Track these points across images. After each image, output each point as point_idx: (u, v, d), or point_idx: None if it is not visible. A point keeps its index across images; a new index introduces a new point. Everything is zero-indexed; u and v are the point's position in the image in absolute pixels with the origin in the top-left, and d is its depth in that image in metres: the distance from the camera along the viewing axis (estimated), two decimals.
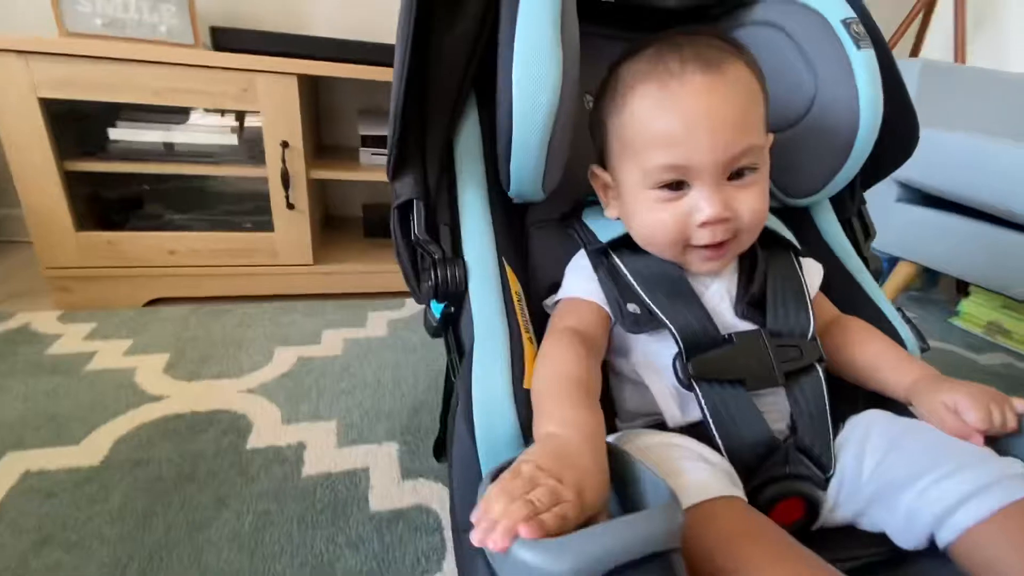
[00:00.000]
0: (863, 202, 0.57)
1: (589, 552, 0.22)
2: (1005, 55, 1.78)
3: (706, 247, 0.41)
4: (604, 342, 0.43)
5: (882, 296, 0.50)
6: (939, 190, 1.25)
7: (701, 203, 0.39)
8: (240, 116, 1.11)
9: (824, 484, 0.38)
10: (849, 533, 0.38)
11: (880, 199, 1.41)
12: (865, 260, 0.54)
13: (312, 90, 1.24)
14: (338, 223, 1.44)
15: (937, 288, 1.64)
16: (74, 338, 0.96)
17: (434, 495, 0.67)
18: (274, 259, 1.12)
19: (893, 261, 1.50)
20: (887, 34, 1.72)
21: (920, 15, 1.75)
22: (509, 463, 0.30)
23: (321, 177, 1.15)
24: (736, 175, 0.40)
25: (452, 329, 0.44)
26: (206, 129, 1.10)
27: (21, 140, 0.94)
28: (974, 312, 1.36)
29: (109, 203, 1.15)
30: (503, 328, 0.39)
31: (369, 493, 0.67)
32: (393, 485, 0.68)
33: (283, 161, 1.04)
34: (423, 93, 0.43)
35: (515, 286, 0.42)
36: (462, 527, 0.40)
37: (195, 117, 1.12)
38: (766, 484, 0.37)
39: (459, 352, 0.43)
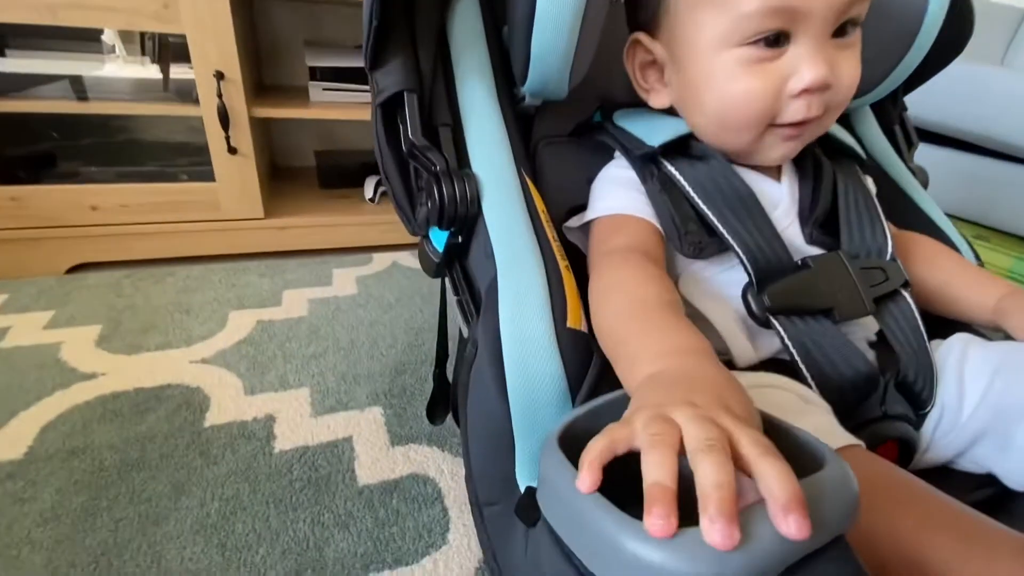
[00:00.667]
0: (905, 108, 0.50)
1: (758, 549, 0.15)
2: None
3: (790, 125, 0.33)
4: (662, 257, 0.35)
5: (937, 209, 0.45)
6: (919, 119, 1.23)
7: (803, 64, 0.31)
8: (163, 41, 0.93)
9: (919, 423, 0.33)
10: (945, 475, 0.33)
11: None
12: (912, 171, 0.48)
13: (247, 17, 1.07)
14: (289, 174, 1.29)
15: None
16: None
17: (430, 461, 0.60)
18: (218, 213, 0.98)
19: None
20: None
21: None
22: (573, 423, 0.22)
23: (266, 115, 0.99)
24: (839, 31, 0.32)
25: (459, 264, 0.35)
26: (121, 59, 0.93)
27: None
28: None
29: (17, 161, 0.97)
30: (534, 253, 0.31)
31: (355, 465, 0.59)
32: (382, 454, 0.61)
33: (219, 96, 0.89)
34: None
35: (540, 204, 0.34)
36: (484, 500, 0.33)
37: (110, 62, 0.94)
38: (860, 426, 0.31)
39: (470, 293, 0.34)
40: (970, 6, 0.45)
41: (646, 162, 0.37)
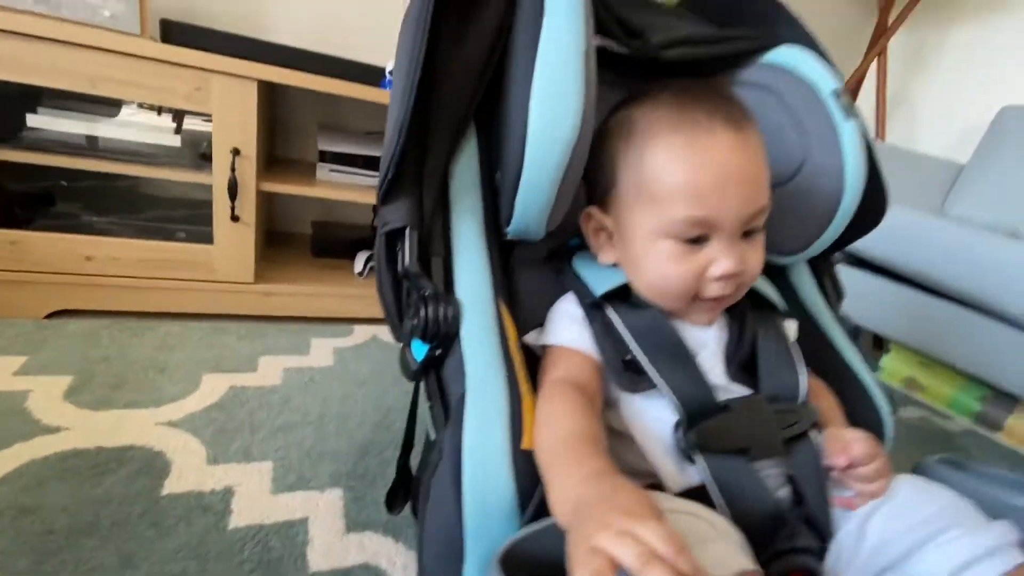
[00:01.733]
0: (833, 264, 0.59)
1: None
2: (919, 138, 2.00)
3: (716, 300, 0.41)
4: (602, 396, 0.40)
5: (856, 356, 0.51)
6: (866, 254, 1.36)
7: (720, 257, 0.39)
8: (179, 115, 1.01)
9: (822, 554, 0.37)
10: None
11: None
12: (839, 319, 0.55)
13: (268, 99, 1.17)
14: (284, 239, 1.35)
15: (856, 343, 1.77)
16: None
17: (383, 551, 0.61)
18: (210, 274, 1.02)
19: None
20: None
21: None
22: (514, 545, 0.26)
23: (273, 190, 1.06)
24: (747, 234, 0.41)
25: (434, 374, 0.39)
26: (141, 126, 1.00)
27: None
28: (894, 368, 1.46)
29: (17, 197, 1.01)
30: (502, 379, 0.36)
31: (308, 549, 0.59)
32: (336, 539, 0.61)
33: (232, 169, 0.96)
34: (426, 113, 0.39)
35: (513, 332, 0.39)
36: None
37: (127, 112, 1.01)
38: (773, 557, 0.35)
39: (442, 401, 0.38)
40: (883, 194, 0.54)
41: (592, 308, 0.44)
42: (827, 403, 0.47)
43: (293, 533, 0.61)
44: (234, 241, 1.02)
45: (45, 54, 0.84)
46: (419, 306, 0.38)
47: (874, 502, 0.38)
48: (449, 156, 0.43)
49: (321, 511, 0.65)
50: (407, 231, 0.39)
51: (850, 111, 0.48)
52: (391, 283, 0.40)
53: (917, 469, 0.44)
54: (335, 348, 1.04)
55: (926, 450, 1.12)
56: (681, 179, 0.39)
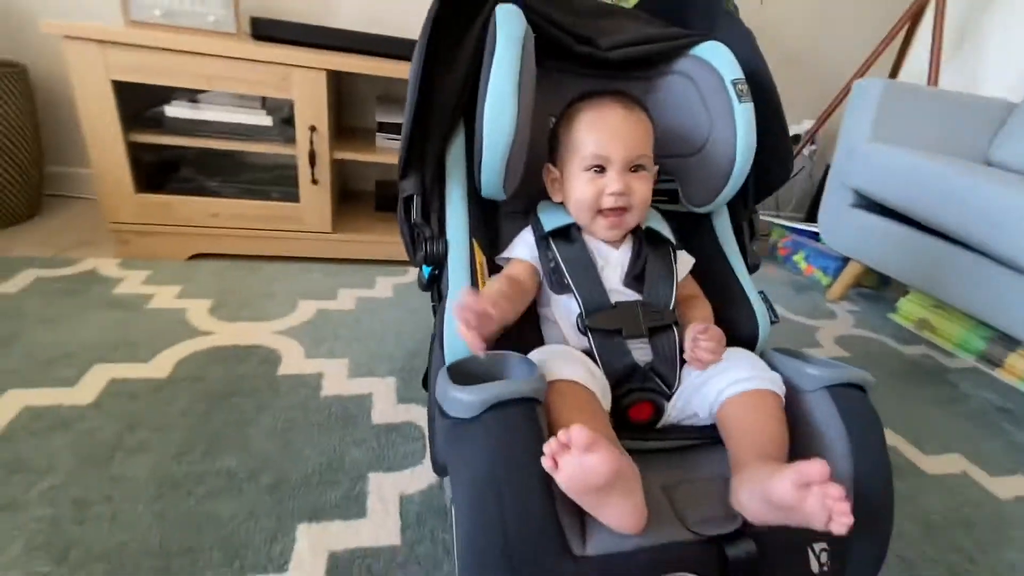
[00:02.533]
0: (755, 212, 0.74)
1: (488, 393, 0.42)
2: (982, 77, 1.90)
3: (611, 211, 0.62)
4: (530, 284, 0.64)
5: (748, 281, 0.69)
6: (884, 199, 1.41)
7: (611, 180, 0.61)
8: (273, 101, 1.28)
9: (668, 397, 0.58)
10: (680, 428, 0.58)
11: (836, 204, 1.58)
12: (745, 254, 0.72)
13: (337, 78, 1.41)
14: (354, 196, 1.63)
15: (890, 287, 1.81)
16: (134, 282, 1.16)
17: (421, 416, 0.87)
18: (299, 225, 1.32)
19: (845, 260, 1.67)
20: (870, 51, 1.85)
21: (904, 34, 1.88)
22: (464, 362, 0.49)
23: (343, 157, 1.33)
24: (633, 169, 0.61)
25: (436, 285, 0.63)
26: (245, 111, 1.28)
27: (94, 115, 1.13)
28: (910, 310, 1.53)
29: (162, 168, 1.34)
30: (467, 284, 0.58)
31: (372, 411, 0.87)
32: (390, 407, 0.89)
33: (311, 143, 1.22)
34: (427, 116, 0.61)
35: (479, 257, 0.61)
36: (433, 414, 0.60)
37: (236, 99, 1.29)
38: (628, 392, 0.57)
39: (439, 300, 0.62)
40: (789, 153, 0.69)
41: (542, 238, 0.64)
42: (701, 312, 0.65)
43: (363, 402, 0.89)
44: (315, 199, 1.30)
45: (175, 61, 1.12)
46: (423, 244, 0.61)
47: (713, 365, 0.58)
48: (444, 144, 0.64)
49: (381, 390, 0.93)
50: (415, 197, 0.61)
51: (744, 96, 0.63)
52: (408, 229, 0.63)
53: (764, 354, 0.62)
54: (394, 284, 1.32)
55: (921, 380, 1.24)
56: (590, 135, 0.61)
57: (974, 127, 1.61)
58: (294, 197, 1.30)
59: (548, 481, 0.40)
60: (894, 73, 1.94)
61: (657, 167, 0.67)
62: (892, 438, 1.02)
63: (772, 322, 0.67)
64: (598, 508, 0.42)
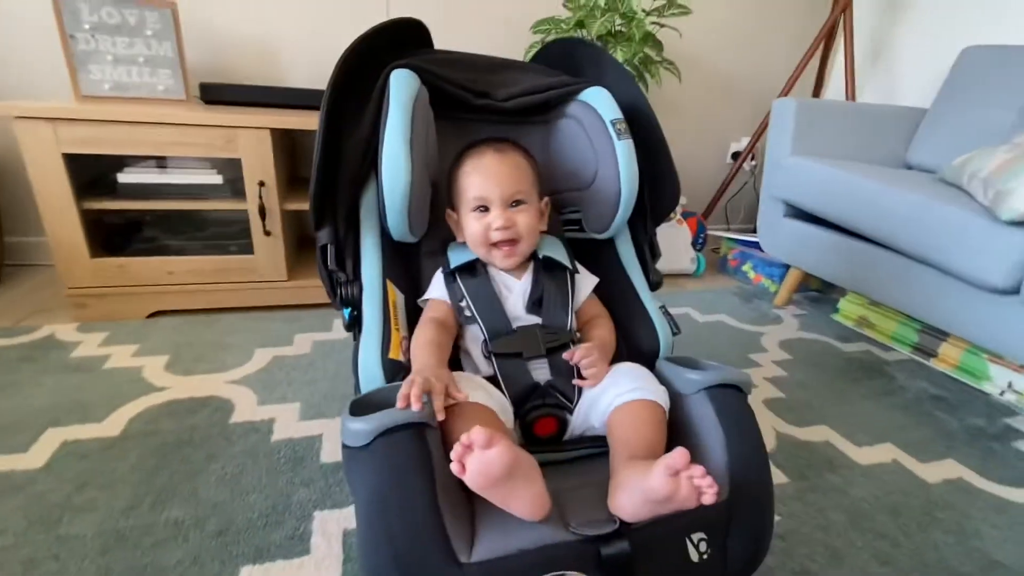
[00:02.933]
0: (654, 234, 0.81)
1: (378, 422, 0.46)
2: (899, 88, 2.04)
3: (501, 245, 0.69)
4: (451, 321, 0.69)
5: (649, 298, 0.75)
6: (808, 208, 1.50)
7: (495, 217, 0.68)
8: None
9: (570, 411, 0.63)
10: (584, 439, 0.63)
11: (771, 214, 1.67)
12: (647, 274, 0.78)
13: (288, 133, 1.48)
14: (311, 243, 1.67)
15: (835, 289, 1.89)
16: (91, 344, 1.19)
17: None
18: (255, 276, 1.36)
19: (785, 268, 1.76)
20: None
21: (820, 57, 2.01)
22: (368, 395, 0.54)
23: (293, 208, 1.39)
24: (514, 204, 0.69)
25: (357, 325, 0.68)
26: (195, 172, 1.34)
27: (47, 186, 1.18)
28: (849, 309, 1.61)
29: (117, 232, 1.39)
30: (379, 323, 0.63)
31: (320, 451, 0.91)
32: (339, 445, 0.91)
33: (260, 197, 1.28)
34: (335, 173, 0.67)
35: (393, 297, 0.66)
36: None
37: (187, 160, 1.36)
38: (531, 410, 0.61)
39: (356, 339, 0.67)
40: (676, 182, 0.77)
41: (450, 275, 0.71)
42: (599, 331, 0.71)
43: (312, 442, 0.92)
44: (269, 250, 1.35)
45: (124, 132, 1.18)
46: (339, 288, 0.66)
47: (602, 382, 0.63)
48: (355, 194, 0.70)
49: (331, 431, 0.96)
50: (329, 246, 0.67)
51: (622, 134, 0.70)
52: (326, 275, 0.68)
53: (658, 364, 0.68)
54: None
55: (859, 376, 1.30)
56: (471, 179, 0.69)
57: (891, 135, 1.73)
58: (249, 249, 1.35)
59: (434, 498, 0.45)
60: (817, 90, 2.07)
61: (546, 199, 0.76)
62: (827, 434, 1.07)
63: (674, 334, 0.73)
64: (506, 500, 0.47)
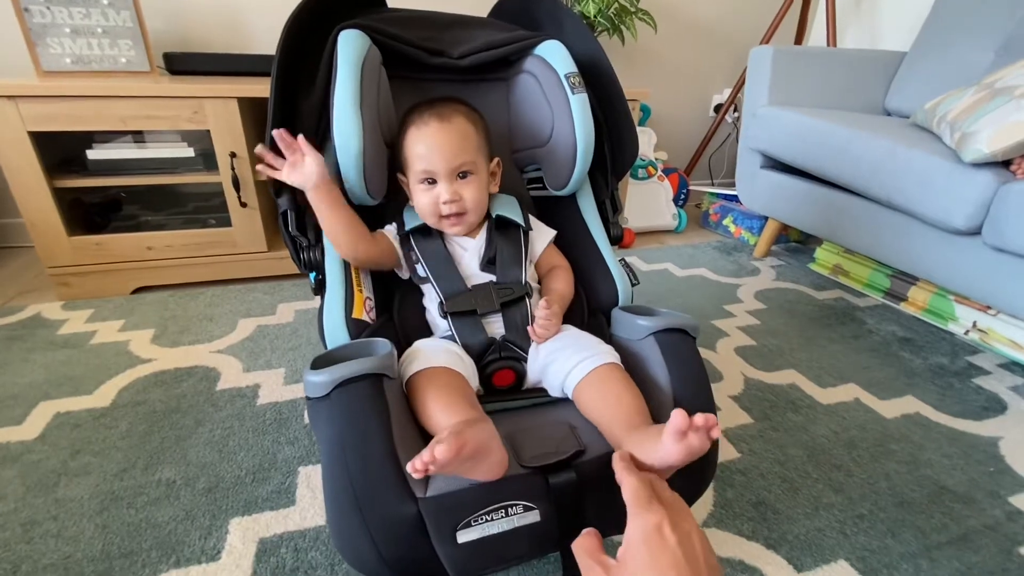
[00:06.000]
0: (616, 188, 0.82)
1: (336, 373, 0.49)
2: (881, 33, 2.01)
3: (449, 216, 0.69)
4: (384, 244, 0.72)
5: (608, 250, 0.77)
6: (784, 158, 1.51)
7: (442, 190, 0.68)
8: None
9: (525, 361, 0.66)
10: (540, 388, 0.67)
11: (748, 166, 1.67)
12: (608, 228, 0.80)
13: (258, 101, 1.46)
14: None
15: (813, 239, 1.91)
16: (77, 322, 1.21)
17: None
18: (234, 248, 1.37)
19: (765, 220, 1.77)
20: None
21: (802, 4, 1.97)
22: (329, 352, 0.56)
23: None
24: (461, 176, 0.68)
25: (323, 289, 0.70)
26: (166, 145, 1.33)
27: (16, 166, 1.17)
28: (825, 258, 1.64)
29: (95, 210, 1.39)
30: (342, 284, 0.65)
31: (305, 413, 0.94)
32: None
33: (232, 168, 1.28)
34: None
35: None
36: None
37: (157, 134, 1.34)
38: (489, 363, 0.65)
39: (322, 300, 0.69)
40: (634, 136, 0.77)
41: (405, 236, 0.72)
42: (557, 284, 0.73)
43: (296, 405, 0.96)
44: (247, 222, 1.36)
45: (88, 107, 1.17)
46: (302, 252, 0.68)
47: (553, 339, 0.66)
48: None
49: None
50: (289, 212, 0.68)
51: (577, 88, 0.70)
52: (290, 240, 0.70)
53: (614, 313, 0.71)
54: None
55: (831, 322, 1.34)
56: (415, 150, 0.68)
57: (870, 81, 1.71)
58: (227, 222, 1.36)
59: (390, 439, 0.48)
60: (799, 38, 2.04)
61: (496, 159, 0.75)
62: (794, 377, 1.12)
63: (633, 284, 0.75)
64: (469, 473, 0.49)
